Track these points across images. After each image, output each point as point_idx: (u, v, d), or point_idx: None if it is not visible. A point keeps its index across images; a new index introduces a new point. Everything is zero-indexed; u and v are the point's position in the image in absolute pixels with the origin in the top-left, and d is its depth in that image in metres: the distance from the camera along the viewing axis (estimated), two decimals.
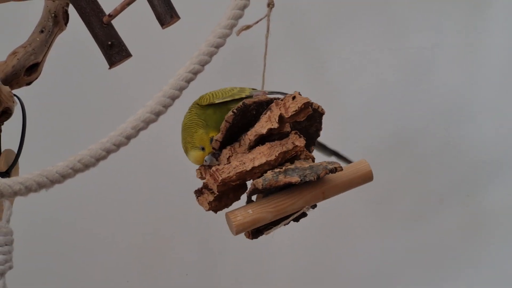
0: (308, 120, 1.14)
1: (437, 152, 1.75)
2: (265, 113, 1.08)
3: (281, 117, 1.07)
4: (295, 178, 1.04)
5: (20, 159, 1.07)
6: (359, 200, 1.76)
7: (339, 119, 1.69)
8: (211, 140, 1.10)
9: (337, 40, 1.73)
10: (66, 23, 1.15)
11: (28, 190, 0.73)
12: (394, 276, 1.77)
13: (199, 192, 1.10)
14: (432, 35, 1.73)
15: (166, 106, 0.87)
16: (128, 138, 0.84)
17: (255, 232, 1.11)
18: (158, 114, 0.87)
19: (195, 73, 0.90)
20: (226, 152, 1.10)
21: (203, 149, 1.10)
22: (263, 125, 1.08)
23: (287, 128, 1.11)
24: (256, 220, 1.05)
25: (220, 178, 1.05)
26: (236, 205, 1.10)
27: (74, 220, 1.69)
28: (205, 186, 1.09)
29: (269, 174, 1.05)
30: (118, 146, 0.84)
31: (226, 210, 1.10)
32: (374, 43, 1.74)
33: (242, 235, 1.09)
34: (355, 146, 1.73)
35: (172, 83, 0.89)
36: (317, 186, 1.08)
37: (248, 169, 1.06)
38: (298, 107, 1.07)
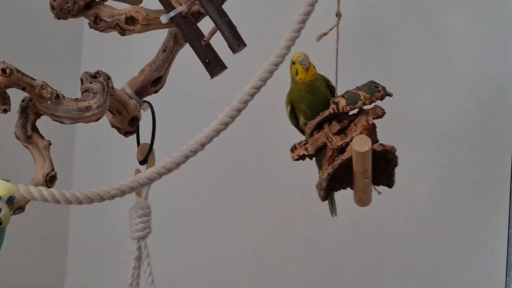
0: None
1: None
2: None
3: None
4: None
5: (156, 150, 1.40)
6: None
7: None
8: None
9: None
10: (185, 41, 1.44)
11: (122, 193, 1.04)
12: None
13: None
14: None
15: (233, 118, 1.14)
16: (203, 145, 1.13)
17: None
18: (226, 124, 1.14)
19: (258, 88, 1.16)
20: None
21: None
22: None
23: None
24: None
25: None
26: None
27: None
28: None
29: None
30: (195, 152, 1.12)
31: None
32: (482, 12, 1.80)
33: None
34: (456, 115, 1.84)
35: (239, 98, 1.15)
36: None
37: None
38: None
